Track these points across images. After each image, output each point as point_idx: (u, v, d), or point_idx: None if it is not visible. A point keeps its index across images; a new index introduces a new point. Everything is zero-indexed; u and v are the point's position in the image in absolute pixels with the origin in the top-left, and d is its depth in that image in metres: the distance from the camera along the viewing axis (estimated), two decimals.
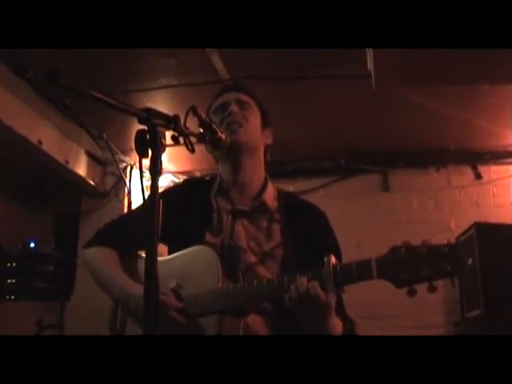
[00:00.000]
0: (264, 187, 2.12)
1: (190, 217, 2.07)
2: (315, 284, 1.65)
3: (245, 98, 2.17)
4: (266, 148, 2.21)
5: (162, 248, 2.10)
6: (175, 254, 2.03)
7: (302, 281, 1.66)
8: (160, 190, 2.08)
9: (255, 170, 2.14)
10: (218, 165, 2.21)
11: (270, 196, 2.11)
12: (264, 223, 2.05)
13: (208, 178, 2.25)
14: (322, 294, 1.64)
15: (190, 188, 2.26)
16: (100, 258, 2.11)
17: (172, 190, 2.35)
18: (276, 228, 2.04)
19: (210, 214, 2.08)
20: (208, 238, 2.02)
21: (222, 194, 2.12)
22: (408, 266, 1.53)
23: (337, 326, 1.80)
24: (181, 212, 2.07)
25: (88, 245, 2.18)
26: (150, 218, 1.38)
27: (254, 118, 2.15)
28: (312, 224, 2.06)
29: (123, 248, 2.09)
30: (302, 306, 1.67)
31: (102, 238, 2.17)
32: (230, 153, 2.09)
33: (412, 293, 1.51)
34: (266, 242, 2.01)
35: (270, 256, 1.97)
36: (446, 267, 1.49)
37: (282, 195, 2.16)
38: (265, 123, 2.20)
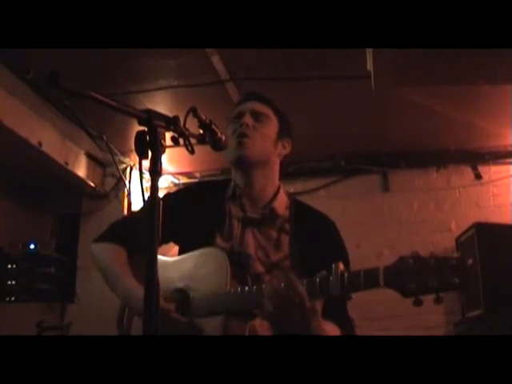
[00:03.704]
0: (275, 196, 2.11)
1: (203, 219, 2.07)
2: (302, 289, 1.66)
3: (262, 108, 2.13)
4: (284, 158, 2.19)
5: (174, 248, 2.12)
6: (186, 255, 2.04)
7: (290, 285, 1.67)
8: (171, 190, 2.09)
9: (267, 181, 2.13)
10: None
11: (280, 204, 2.10)
12: (273, 234, 2.05)
13: (223, 179, 2.24)
14: (306, 300, 1.65)
15: (204, 190, 2.25)
16: (107, 255, 2.12)
17: (185, 191, 2.36)
18: (285, 239, 2.04)
19: (222, 219, 2.08)
20: (218, 241, 2.03)
21: (234, 199, 2.12)
22: (416, 276, 1.52)
23: (327, 330, 1.79)
24: (194, 213, 2.09)
25: (98, 240, 2.19)
26: (150, 219, 1.37)
27: (268, 130, 2.11)
28: (321, 234, 2.05)
29: (132, 246, 2.10)
30: (284, 312, 1.67)
31: (112, 234, 2.18)
32: (239, 166, 2.09)
33: (418, 303, 1.51)
34: (274, 252, 2.01)
35: (277, 267, 1.97)
36: (454, 280, 1.49)
37: (294, 204, 2.15)
38: (282, 134, 2.15)
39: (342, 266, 1.65)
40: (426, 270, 1.52)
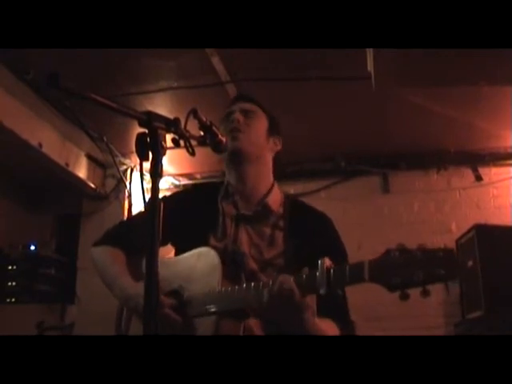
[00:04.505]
0: (269, 192, 2.12)
1: (197, 220, 2.09)
2: (292, 283, 1.65)
3: (251, 106, 2.19)
4: (276, 155, 2.21)
5: (170, 249, 2.13)
6: (180, 256, 2.05)
7: (280, 280, 1.67)
8: (167, 193, 2.11)
9: (260, 177, 2.14)
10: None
11: (274, 200, 2.11)
12: (267, 230, 2.05)
13: (217, 182, 2.25)
14: (296, 294, 1.64)
15: (199, 192, 2.27)
16: (105, 258, 2.14)
17: (181, 194, 2.38)
18: (279, 236, 2.04)
19: (215, 219, 2.09)
20: (212, 242, 2.03)
21: (227, 198, 2.13)
22: (401, 269, 1.48)
23: (322, 328, 1.78)
24: (188, 215, 2.10)
25: (96, 243, 2.21)
26: (151, 220, 1.37)
27: (259, 125, 2.16)
28: (316, 231, 2.05)
29: (130, 249, 2.11)
30: (277, 305, 1.67)
31: (110, 237, 2.20)
32: (233, 160, 2.10)
33: (404, 297, 1.47)
34: (268, 250, 2.01)
35: (270, 265, 1.98)
36: (440, 272, 1.44)
37: (288, 201, 2.15)
38: (272, 131, 2.20)
39: (328, 262, 1.63)
40: (411, 262, 1.48)
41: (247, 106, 2.19)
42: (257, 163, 2.12)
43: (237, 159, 2.09)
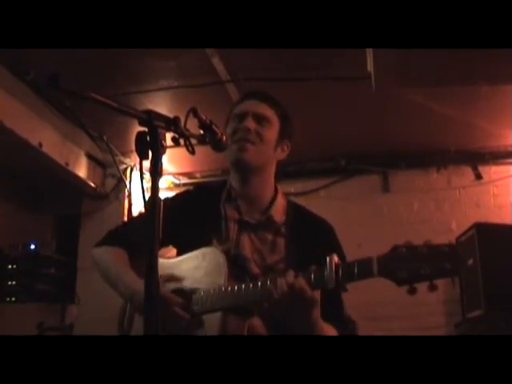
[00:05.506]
0: (273, 201, 2.12)
1: (199, 223, 2.08)
2: (301, 279, 1.67)
3: (265, 110, 2.11)
4: (279, 162, 2.19)
5: (172, 251, 2.13)
6: (183, 256, 2.05)
7: (290, 275, 1.69)
8: (167, 193, 2.09)
9: (264, 184, 2.13)
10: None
11: (278, 210, 2.11)
12: (269, 237, 2.05)
13: (219, 181, 2.24)
14: (307, 289, 1.66)
15: (201, 193, 2.27)
16: (108, 257, 2.14)
17: (183, 195, 2.37)
18: (281, 242, 2.04)
19: (217, 221, 2.09)
20: (215, 245, 2.03)
21: (230, 201, 2.12)
22: (409, 264, 1.53)
23: (325, 328, 1.80)
24: (191, 217, 2.10)
25: (98, 244, 2.21)
26: (151, 219, 1.37)
27: (270, 134, 2.10)
28: (318, 238, 2.05)
29: (132, 249, 2.11)
30: (288, 301, 1.68)
31: (112, 238, 2.20)
32: (238, 168, 2.09)
33: (412, 291, 1.52)
34: (270, 255, 2.02)
35: (272, 270, 1.98)
36: (446, 266, 1.49)
37: (290, 208, 2.15)
38: (282, 137, 2.15)
39: (336, 258, 1.67)
40: (418, 257, 1.53)
41: (261, 109, 2.11)
42: (262, 173, 2.11)
43: (242, 169, 2.08)
